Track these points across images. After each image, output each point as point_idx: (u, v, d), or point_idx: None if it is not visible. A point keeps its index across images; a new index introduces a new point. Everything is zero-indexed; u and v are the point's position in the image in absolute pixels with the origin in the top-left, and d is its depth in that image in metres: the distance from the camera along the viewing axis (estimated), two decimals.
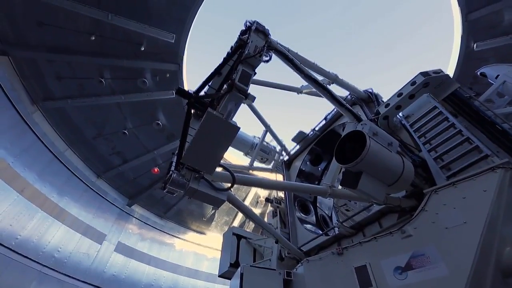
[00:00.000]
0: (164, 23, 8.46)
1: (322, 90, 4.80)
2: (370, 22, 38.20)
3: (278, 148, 8.79)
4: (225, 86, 3.49)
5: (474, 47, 8.94)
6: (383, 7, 36.59)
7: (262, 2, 38.21)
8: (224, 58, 4.10)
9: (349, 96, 6.65)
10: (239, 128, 3.10)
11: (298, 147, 8.03)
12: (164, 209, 13.35)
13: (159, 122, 10.59)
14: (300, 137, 7.78)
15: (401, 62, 39.37)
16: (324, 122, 7.39)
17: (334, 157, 3.33)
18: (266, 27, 4.21)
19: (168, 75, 9.57)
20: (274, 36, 4.33)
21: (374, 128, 3.33)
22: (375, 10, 37.16)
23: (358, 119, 4.87)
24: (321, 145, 7.54)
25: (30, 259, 8.02)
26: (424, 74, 4.38)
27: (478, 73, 6.91)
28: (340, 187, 4.46)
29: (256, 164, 8.65)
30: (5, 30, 7.62)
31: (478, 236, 2.60)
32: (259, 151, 8.38)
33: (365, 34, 39.26)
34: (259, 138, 8.60)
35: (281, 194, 7.44)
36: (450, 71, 9.81)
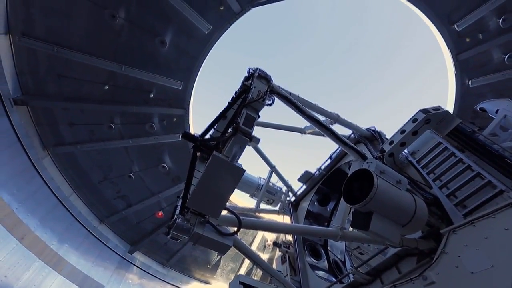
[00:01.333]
0: (173, 72, 9.11)
1: (324, 130, 4.89)
2: (363, 54, 40.58)
3: (284, 189, 8.65)
4: (230, 129, 3.57)
5: (469, 84, 9.25)
6: (377, 38, 39.23)
7: (262, 36, 41.51)
8: (228, 103, 4.28)
9: (352, 135, 6.72)
10: (244, 170, 3.09)
11: (304, 187, 7.88)
12: (167, 256, 12.66)
13: (165, 165, 10.68)
14: (306, 177, 7.70)
15: (398, 95, 40.68)
16: (329, 161, 7.37)
17: (342, 197, 3.24)
18: (268, 73, 4.47)
19: (175, 120, 9.95)
20: (274, 72, 4.54)
21: (381, 166, 3.29)
22: (368, 41, 39.79)
23: (363, 157, 4.84)
24: (328, 184, 7.41)
25: None
26: (424, 111, 4.47)
27: (478, 108, 7.04)
28: (351, 228, 4.24)
29: (263, 206, 8.43)
30: (27, 83, 8.26)
31: (510, 282, 2.35)
32: (265, 192, 8.25)
33: (360, 66, 41.44)
34: (264, 179, 8.53)
35: (289, 237, 7.08)
36: (449, 106, 10.02)
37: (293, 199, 8.15)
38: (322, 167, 7.50)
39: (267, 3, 8.43)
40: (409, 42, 37.81)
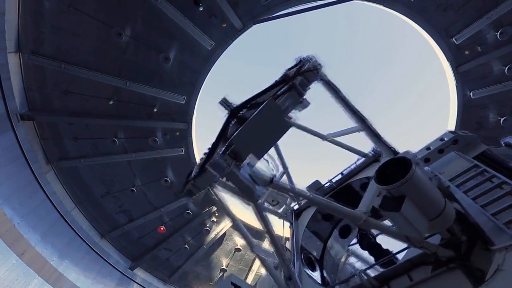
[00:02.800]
0: (176, 87, 9.29)
1: (363, 123, 4.84)
2: (359, 66, 41.01)
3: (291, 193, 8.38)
4: (283, 88, 3.59)
5: (471, 95, 9.27)
6: (373, 49, 39.76)
7: (263, 47, 42.22)
8: (267, 87, 4.25)
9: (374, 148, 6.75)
10: (292, 125, 3.16)
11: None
12: (169, 273, 12.36)
13: (167, 179, 10.65)
14: (315, 187, 7.53)
15: (397, 106, 40.75)
16: (340, 176, 7.31)
17: (373, 180, 3.16)
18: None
19: (177, 133, 10.03)
20: None
21: (415, 159, 3.27)
22: (365, 53, 40.30)
23: (395, 153, 4.79)
24: (336, 199, 7.25)
25: None
26: (452, 132, 4.60)
27: (503, 143, 6.94)
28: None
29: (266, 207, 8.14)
30: (35, 98, 8.46)
31: None
32: (273, 191, 7.95)
33: (357, 78, 41.77)
34: None
35: (287, 245, 6.88)
36: (451, 118, 10.00)
37: (296, 207, 7.89)
38: (333, 180, 7.39)
39: (268, 20, 8.69)
40: (404, 53, 38.39)
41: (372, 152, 6.80)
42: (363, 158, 7.07)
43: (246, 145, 3.23)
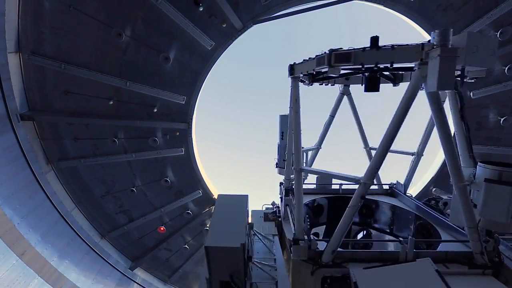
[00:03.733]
0: (176, 87, 9.28)
1: (462, 128, 4.97)
2: None
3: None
4: None
5: (471, 96, 9.27)
6: None
7: (261, 47, 42.00)
8: None
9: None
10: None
11: (312, 187, 7.60)
12: (169, 273, 12.37)
13: (168, 179, 10.64)
14: (322, 181, 7.53)
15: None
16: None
17: (481, 164, 3.85)
18: None
19: (178, 133, 10.02)
20: None
21: None
22: None
23: (475, 160, 4.79)
24: (331, 201, 7.21)
25: None
26: None
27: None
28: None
29: None
30: (35, 98, 8.47)
31: None
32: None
33: None
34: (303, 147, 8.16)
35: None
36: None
37: (291, 184, 7.08)
38: (343, 186, 7.35)
39: (268, 20, 8.69)
40: None
41: (389, 188, 7.34)
42: (376, 187, 7.41)
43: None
